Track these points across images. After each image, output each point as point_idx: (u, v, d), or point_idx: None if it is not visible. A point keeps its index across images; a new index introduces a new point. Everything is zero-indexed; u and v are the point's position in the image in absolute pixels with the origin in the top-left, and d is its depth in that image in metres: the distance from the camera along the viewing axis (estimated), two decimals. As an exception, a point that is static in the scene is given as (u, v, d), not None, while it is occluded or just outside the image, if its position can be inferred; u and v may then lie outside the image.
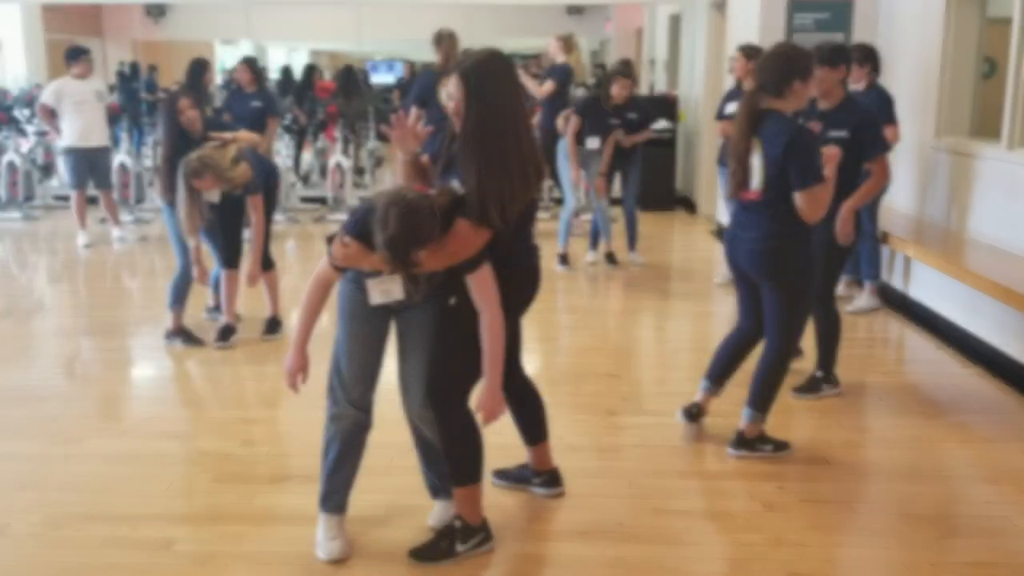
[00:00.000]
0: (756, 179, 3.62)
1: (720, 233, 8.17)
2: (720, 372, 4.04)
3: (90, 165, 8.41)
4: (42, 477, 3.66)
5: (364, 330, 2.97)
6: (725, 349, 4.05)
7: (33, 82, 12.36)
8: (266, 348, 5.37)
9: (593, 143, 7.15)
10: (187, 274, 5.31)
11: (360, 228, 2.72)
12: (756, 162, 3.61)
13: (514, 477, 3.55)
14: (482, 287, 2.84)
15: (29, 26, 13.08)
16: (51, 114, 8.27)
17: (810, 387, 4.56)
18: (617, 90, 7.03)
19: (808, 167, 3.55)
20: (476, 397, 2.94)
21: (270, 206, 5.40)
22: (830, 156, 3.75)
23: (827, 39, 7.18)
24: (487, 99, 2.72)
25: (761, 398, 3.85)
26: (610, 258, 7.42)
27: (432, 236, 2.64)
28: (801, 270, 3.71)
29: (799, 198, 3.55)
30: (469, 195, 2.74)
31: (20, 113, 10.94)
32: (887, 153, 4.36)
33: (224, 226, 5.25)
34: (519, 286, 3.06)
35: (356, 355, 2.98)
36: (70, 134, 8.24)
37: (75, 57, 8.24)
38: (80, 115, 8.22)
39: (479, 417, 2.95)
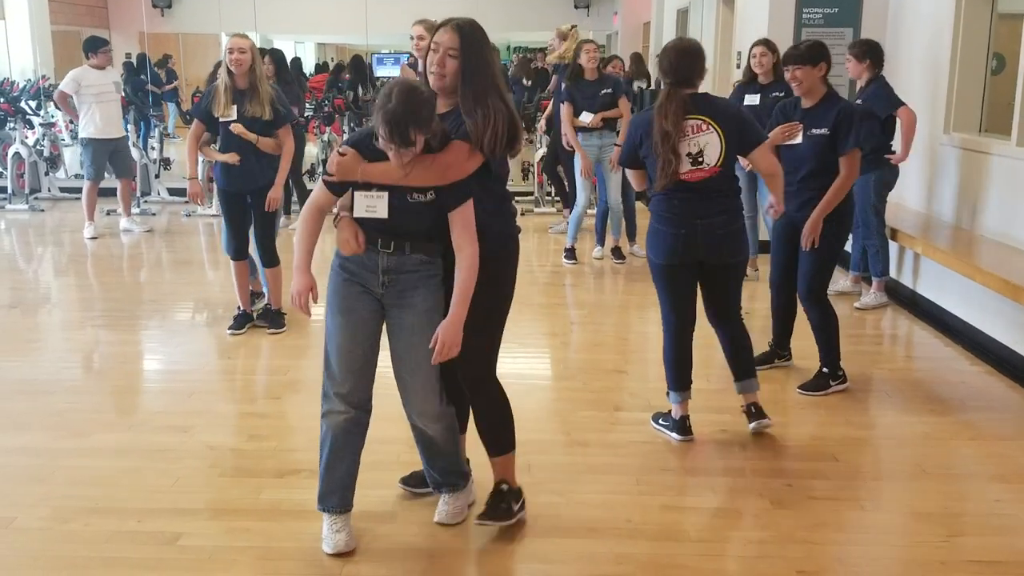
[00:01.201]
0: (712, 157, 3.75)
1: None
2: (686, 378, 4.00)
3: (110, 156, 8.44)
4: (49, 471, 3.66)
5: (351, 321, 2.98)
6: (678, 355, 3.98)
7: (40, 73, 12.36)
8: (274, 343, 5.37)
9: (587, 118, 7.12)
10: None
11: (358, 139, 2.92)
12: (711, 140, 3.73)
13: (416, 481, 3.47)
14: (465, 224, 2.90)
15: (36, 17, 13.08)
16: (69, 103, 8.30)
17: (817, 384, 4.54)
18: (586, 58, 7.03)
19: (757, 128, 3.91)
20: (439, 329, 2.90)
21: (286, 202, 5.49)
22: (794, 130, 4.35)
23: (836, 34, 7.20)
24: (479, 50, 2.95)
25: (753, 367, 4.10)
26: (617, 253, 7.41)
27: (430, 121, 2.77)
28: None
29: (758, 154, 3.83)
30: (467, 124, 2.89)
31: (27, 104, 10.94)
32: (858, 151, 4.32)
33: (231, 220, 5.38)
34: (496, 263, 3.06)
35: (343, 348, 2.98)
36: (90, 125, 8.24)
37: (95, 48, 8.29)
38: (100, 106, 8.23)
39: (435, 352, 2.90)
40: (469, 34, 2.96)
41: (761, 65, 6.33)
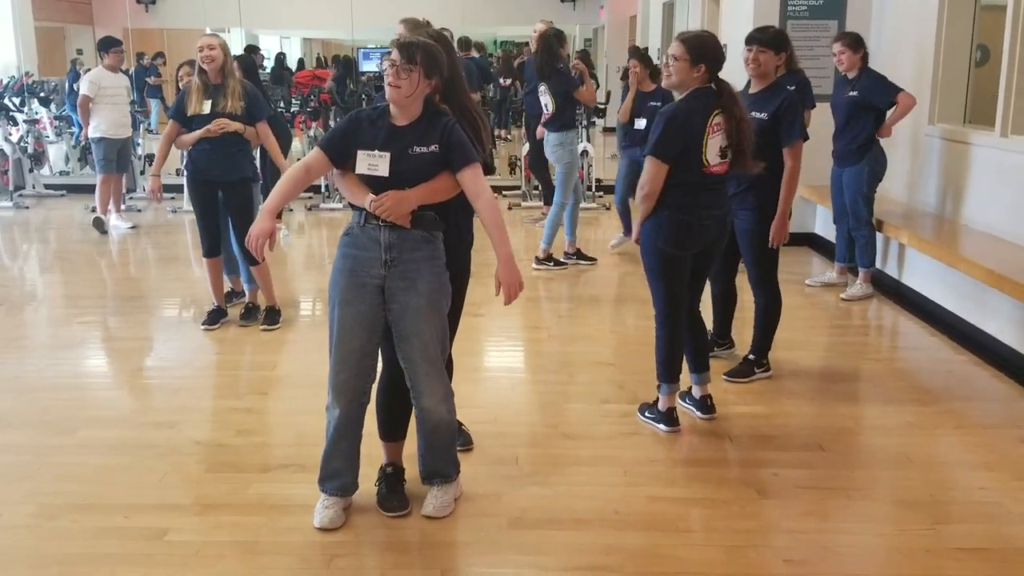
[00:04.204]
0: (727, 152, 3.80)
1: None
2: (679, 370, 4.01)
3: (117, 153, 8.55)
4: (35, 468, 3.64)
5: (347, 314, 3.05)
6: (675, 347, 3.98)
7: (23, 70, 12.29)
8: (260, 338, 5.36)
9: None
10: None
11: (353, 120, 3.07)
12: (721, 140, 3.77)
13: None
14: (475, 179, 3.00)
15: (19, 13, 13.01)
16: (88, 108, 8.36)
17: (742, 371, 4.58)
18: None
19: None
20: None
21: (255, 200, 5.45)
22: None
23: (821, 26, 7.22)
24: (454, 59, 3.20)
25: (708, 359, 4.18)
26: (580, 255, 7.32)
27: (436, 65, 2.96)
28: None
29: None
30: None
31: (10, 101, 10.88)
32: (802, 141, 4.30)
33: (201, 214, 5.38)
34: (464, 276, 3.35)
35: (342, 337, 3.07)
36: (102, 124, 8.33)
37: (108, 47, 8.39)
38: (115, 109, 8.38)
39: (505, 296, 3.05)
40: (445, 41, 3.21)
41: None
